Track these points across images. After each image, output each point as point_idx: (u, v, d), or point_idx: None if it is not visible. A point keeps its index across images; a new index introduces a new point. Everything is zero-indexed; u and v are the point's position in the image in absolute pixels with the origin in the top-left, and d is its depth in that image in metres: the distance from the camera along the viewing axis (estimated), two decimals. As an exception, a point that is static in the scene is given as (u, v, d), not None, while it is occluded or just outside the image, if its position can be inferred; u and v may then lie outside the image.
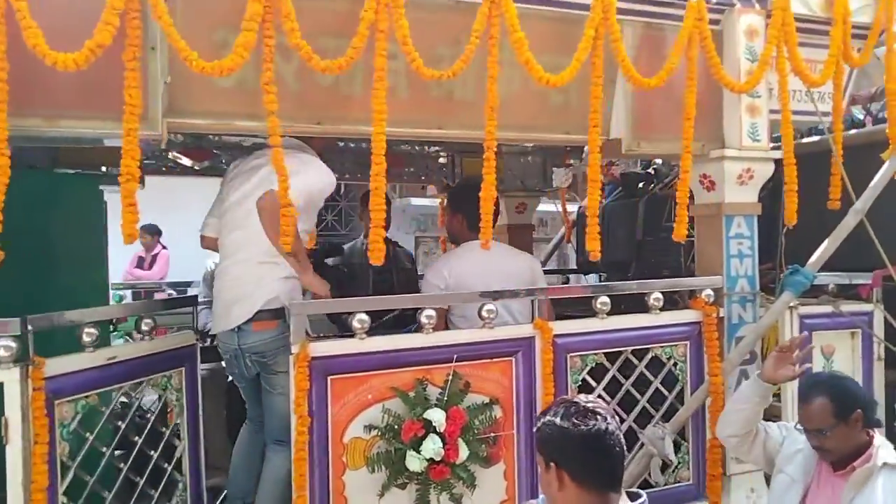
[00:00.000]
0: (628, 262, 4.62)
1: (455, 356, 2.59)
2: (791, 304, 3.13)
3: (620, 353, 2.94)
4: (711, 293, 3.07)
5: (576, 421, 1.56)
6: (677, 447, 3.01)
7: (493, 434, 2.66)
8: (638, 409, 2.95)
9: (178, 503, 2.70)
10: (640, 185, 4.93)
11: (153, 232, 7.38)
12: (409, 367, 2.57)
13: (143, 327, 2.58)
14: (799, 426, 2.35)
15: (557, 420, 1.57)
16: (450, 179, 4.68)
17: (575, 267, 5.58)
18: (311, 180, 2.63)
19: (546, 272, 5.80)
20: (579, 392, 2.85)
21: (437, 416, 2.48)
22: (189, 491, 2.73)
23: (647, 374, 2.99)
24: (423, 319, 2.58)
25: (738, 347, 3.02)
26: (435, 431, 2.47)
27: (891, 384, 3.36)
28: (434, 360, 2.60)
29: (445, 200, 3.18)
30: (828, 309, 3.24)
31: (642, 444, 2.89)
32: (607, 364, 2.91)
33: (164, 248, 7.62)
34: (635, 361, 2.96)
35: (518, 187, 5.01)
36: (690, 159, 2.90)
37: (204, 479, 2.81)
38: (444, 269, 3.08)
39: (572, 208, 5.61)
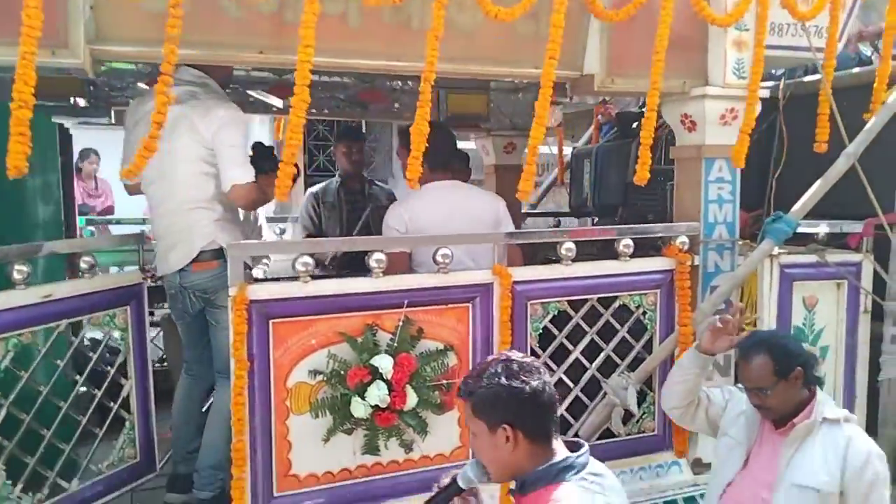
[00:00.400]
0: (618, 205, 4.45)
1: (406, 301, 2.49)
2: (773, 253, 2.98)
3: (586, 300, 2.83)
4: (686, 240, 2.92)
5: (525, 378, 1.56)
6: (643, 397, 2.93)
7: (446, 381, 2.58)
8: (602, 357, 2.85)
9: (126, 441, 2.67)
10: (635, 125, 4.70)
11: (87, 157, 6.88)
12: (358, 312, 2.47)
13: (82, 265, 2.49)
14: (740, 385, 2.29)
15: (503, 381, 1.56)
16: (434, 116, 4.48)
17: (568, 210, 5.41)
18: (241, 130, 2.59)
19: (536, 215, 5.69)
20: (540, 341, 2.76)
21: (383, 362, 2.40)
22: (137, 430, 2.70)
23: (614, 322, 2.88)
24: (373, 263, 2.47)
25: (710, 297, 2.89)
26: (381, 378, 2.39)
27: (876, 338, 3.22)
28: (385, 306, 2.50)
29: (404, 143, 3.00)
30: (812, 258, 3.08)
31: (605, 394, 2.81)
32: (571, 312, 2.80)
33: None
34: (601, 310, 2.85)
35: (507, 126, 4.80)
36: (657, 97, 2.66)
37: (154, 419, 2.78)
38: (405, 211, 2.94)
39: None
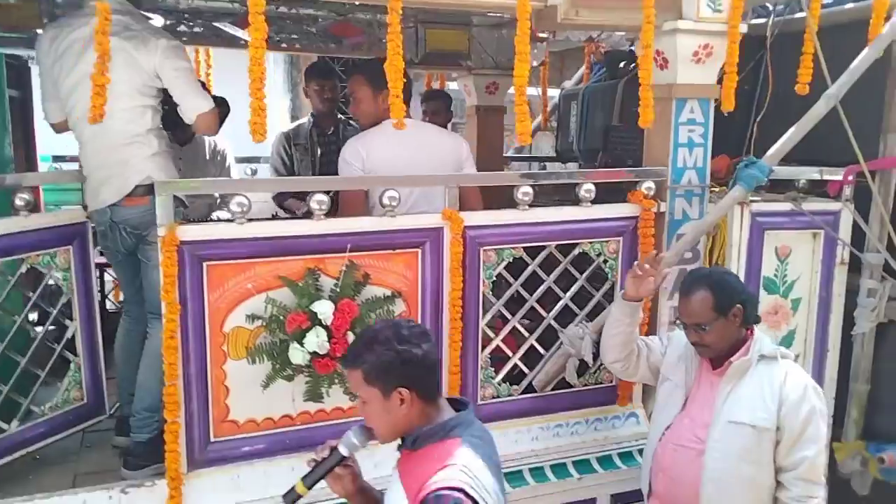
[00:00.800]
0: (600, 150, 4.29)
1: (349, 245, 2.40)
2: (745, 201, 2.85)
3: (544, 247, 2.72)
4: (652, 186, 2.79)
5: (416, 342, 1.61)
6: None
7: (394, 328, 2.51)
8: (559, 306, 2.77)
9: (71, 383, 2.63)
10: (622, 64, 4.50)
11: None
12: (300, 256, 2.38)
13: (18, 202, 2.41)
14: (679, 322, 2.26)
15: (397, 346, 1.59)
16: (412, 53, 4.30)
17: (554, 154, 5.25)
18: (186, 57, 2.52)
19: (520, 160, 5.53)
20: (494, 288, 2.67)
21: (322, 308, 2.32)
22: (84, 373, 2.66)
23: (573, 271, 2.78)
24: (313, 205, 2.37)
25: (675, 245, 2.77)
26: (320, 324, 2.32)
27: (852, 290, 3.10)
28: (328, 250, 2.41)
29: (361, 79, 2.84)
30: (786, 207, 2.94)
31: (561, 344, 2.73)
32: (528, 259, 2.70)
33: None
34: (560, 257, 2.74)
35: (489, 65, 4.60)
36: (652, 32, 2.53)
37: (102, 360, 2.74)
38: (362, 147, 2.80)
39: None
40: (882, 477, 3.04)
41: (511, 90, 5.07)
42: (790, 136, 2.79)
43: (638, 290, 2.39)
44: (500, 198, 2.89)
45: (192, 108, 2.55)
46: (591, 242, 2.76)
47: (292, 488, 1.66)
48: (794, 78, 2.88)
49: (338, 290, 2.39)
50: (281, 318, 2.34)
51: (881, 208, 2.98)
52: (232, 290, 2.32)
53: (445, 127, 4.61)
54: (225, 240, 2.29)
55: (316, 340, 2.30)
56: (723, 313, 2.18)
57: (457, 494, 1.42)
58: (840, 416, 3.17)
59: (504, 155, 5.20)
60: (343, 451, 1.67)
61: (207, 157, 3.97)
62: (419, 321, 2.54)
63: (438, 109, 4.60)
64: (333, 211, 2.47)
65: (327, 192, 2.41)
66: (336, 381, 2.43)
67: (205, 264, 2.27)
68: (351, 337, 2.35)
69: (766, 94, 3.36)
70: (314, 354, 2.31)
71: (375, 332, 1.63)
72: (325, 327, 2.32)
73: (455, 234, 2.52)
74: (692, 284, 2.24)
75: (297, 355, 2.32)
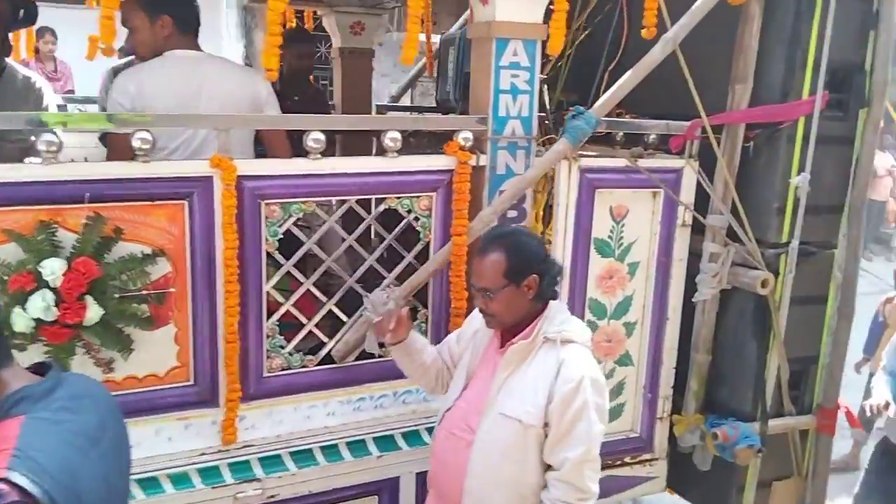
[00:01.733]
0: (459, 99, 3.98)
1: (87, 195, 2.06)
2: (573, 155, 2.59)
3: (344, 202, 2.43)
4: (470, 136, 2.51)
5: None
6: (414, 314, 2.58)
7: (156, 292, 2.19)
8: (364, 268, 2.49)
9: None
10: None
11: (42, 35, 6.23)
12: (32, 206, 2.03)
13: None
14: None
15: None
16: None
17: (435, 105, 4.91)
18: None
19: (397, 109, 5.18)
20: (284, 247, 2.36)
21: (49, 267, 1.98)
22: None
23: (381, 229, 2.50)
24: (41, 146, 2.01)
25: (493, 203, 2.51)
26: (47, 286, 1.98)
27: (696, 254, 2.90)
28: (69, 199, 2.06)
29: (134, 4, 2.44)
30: (620, 163, 2.70)
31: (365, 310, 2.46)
32: (323, 215, 2.40)
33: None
34: (364, 214, 2.45)
35: (353, 2, 4.22)
36: None
37: None
38: (132, 82, 2.42)
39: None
40: (718, 453, 2.89)
41: (381, 31, 4.72)
42: (622, 84, 2.55)
43: (395, 335, 2.16)
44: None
45: None
46: (398, 198, 2.47)
47: None
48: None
49: (79, 246, 2.05)
50: (5, 278, 2.00)
51: (724, 168, 2.76)
52: (-59, 245, 1.97)
53: (310, 76, 4.25)
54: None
55: (41, 305, 1.97)
56: (514, 281, 1.94)
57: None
58: (681, 386, 3.01)
59: (378, 104, 4.85)
60: None
61: (21, 93, 3.53)
62: (188, 283, 2.24)
63: (302, 54, 4.20)
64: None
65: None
66: (82, 350, 2.12)
67: None
68: (91, 301, 2.03)
69: (621, 41, 3.11)
70: (39, 321, 1.98)
71: None
72: (53, 290, 1.98)
73: (227, 185, 2.19)
74: (489, 243, 2.00)
75: (19, 321, 1.97)
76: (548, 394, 1.85)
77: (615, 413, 2.91)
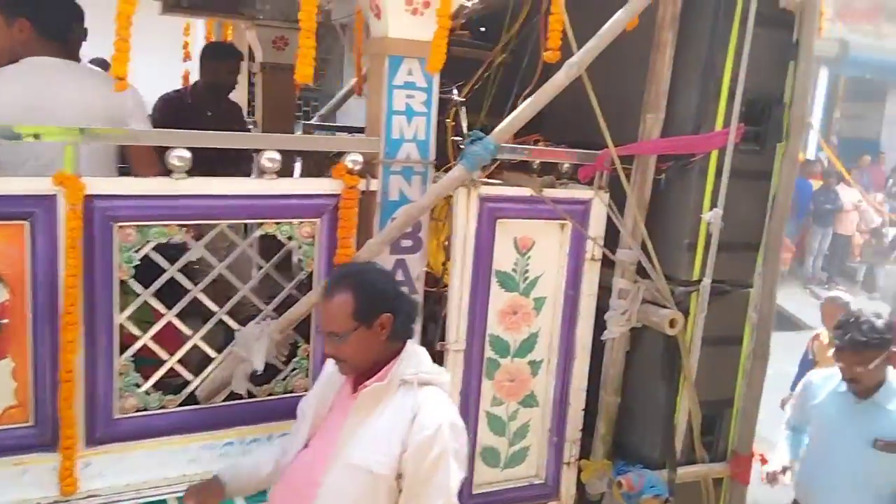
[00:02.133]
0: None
1: None
2: (471, 183, 2.42)
3: (214, 227, 2.22)
4: (359, 158, 2.32)
5: None
6: (294, 350, 2.38)
7: (-11, 322, 1.96)
8: (235, 300, 2.27)
9: None
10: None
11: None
12: None
13: None
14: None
15: None
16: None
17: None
18: None
19: (326, 128, 4.98)
20: (142, 274, 2.14)
21: None
22: None
23: (258, 258, 2.30)
24: None
25: (382, 232, 2.33)
26: None
27: (606, 288, 2.74)
28: None
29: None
30: (525, 192, 2.54)
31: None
32: (190, 241, 2.19)
33: None
34: (237, 240, 2.25)
35: (276, 15, 4.03)
36: None
37: None
38: (-19, 91, 2.21)
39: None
40: (624, 502, 2.72)
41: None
42: (522, 110, 2.39)
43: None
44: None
45: None
46: (277, 223, 2.27)
47: None
48: (566, 45, 2.47)
49: None
50: None
51: (633, 201, 2.62)
52: None
53: (232, 90, 4.06)
54: None
55: None
56: (364, 322, 1.77)
57: None
58: (591, 429, 2.84)
59: (306, 122, 4.66)
60: None
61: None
62: (28, 313, 2.01)
63: (219, 69, 3.99)
64: None
65: None
66: None
67: None
68: None
69: (536, 65, 2.97)
70: None
71: None
72: None
73: (73, 205, 1.97)
74: (333, 284, 1.82)
75: None
76: (402, 441, 1.69)
77: (518, 458, 2.73)
